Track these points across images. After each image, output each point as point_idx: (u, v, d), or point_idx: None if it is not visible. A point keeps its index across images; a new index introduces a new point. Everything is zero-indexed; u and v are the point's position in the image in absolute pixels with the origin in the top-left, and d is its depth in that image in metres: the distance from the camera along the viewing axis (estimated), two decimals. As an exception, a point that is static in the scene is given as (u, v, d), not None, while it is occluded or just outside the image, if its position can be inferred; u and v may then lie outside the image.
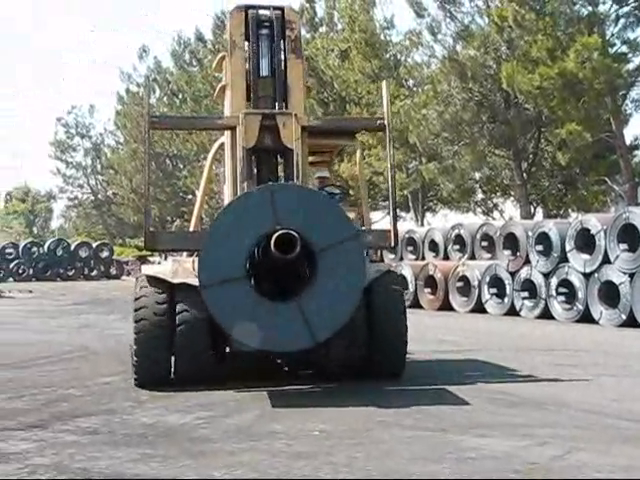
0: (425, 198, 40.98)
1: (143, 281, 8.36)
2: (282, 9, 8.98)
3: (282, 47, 8.91)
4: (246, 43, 8.84)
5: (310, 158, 11.81)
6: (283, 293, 7.66)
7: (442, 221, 40.90)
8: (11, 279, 40.96)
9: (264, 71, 8.86)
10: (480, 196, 40.85)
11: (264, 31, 8.86)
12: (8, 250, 45.67)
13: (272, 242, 7.18)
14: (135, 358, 8.13)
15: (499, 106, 33.16)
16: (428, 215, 42.75)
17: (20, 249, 46.02)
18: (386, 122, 8.89)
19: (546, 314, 17.83)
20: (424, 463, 5.32)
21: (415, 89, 38.13)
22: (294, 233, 7.22)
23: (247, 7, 8.85)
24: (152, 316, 8.03)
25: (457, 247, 21.94)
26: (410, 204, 40.69)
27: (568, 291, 17.46)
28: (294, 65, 8.89)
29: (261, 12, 8.89)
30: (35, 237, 57.67)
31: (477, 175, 37.69)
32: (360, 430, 6.25)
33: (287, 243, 7.17)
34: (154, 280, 8.30)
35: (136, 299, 8.22)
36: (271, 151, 8.85)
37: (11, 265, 43.90)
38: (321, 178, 11.22)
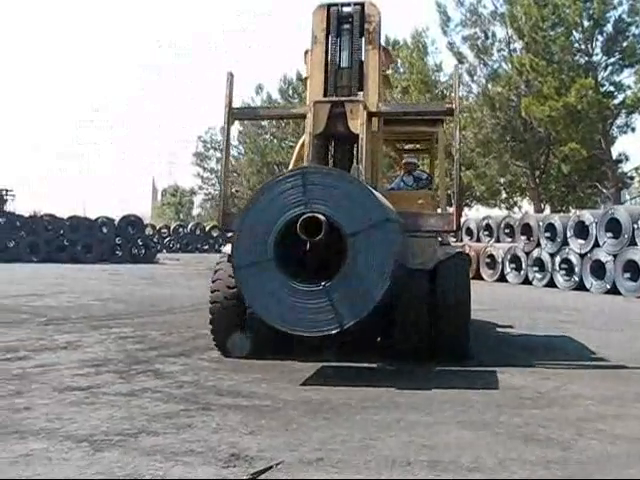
0: (463, 196, 40.50)
1: (222, 258, 6.98)
2: (362, 4, 7.32)
3: (361, 40, 7.33)
4: (327, 38, 7.30)
5: (408, 146, 10.49)
6: (312, 277, 5.70)
7: (475, 214, 40.24)
8: (164, 251, 41.70)
9: (344, 63, 7.29)
10: (504, 195, 40.12)
11: (345, 26, 7.34)
12: (163, 230, 46.50)
13: (298, 225, 5.41)
14: (210, 326, 6.83)
15: (519, 129, 32.86)
16: (465, 209, 42.17)
17: (171, 229, 46.92)
18: (454, 105, 6.86)
19: (551, 283, 17.68)
20: (459, 391, 5.35)
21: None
22: (320, 216, 5.44)
23: (329, 5, 7.35)
24: (225, 289, 6.68)
25: (486, 233, 21.79)
26: (452, 201, 40.22)
27: (567, 267, 17.30)
28: (370, 55, 7.25)
29: (344, 9, 7.37)
30: (181, 221, 58.37)
31: (502, 180, 37.30)
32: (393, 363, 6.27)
33: (314, 226, 5.43)
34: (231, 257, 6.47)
35: (215, 272, 6.94)
36: (344, 138, 7.09)
37: (165, 241, 44.68)
38: (408, 164, 9.56)
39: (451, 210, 7.16)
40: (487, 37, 33.91)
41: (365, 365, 6.26)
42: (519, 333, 8.85)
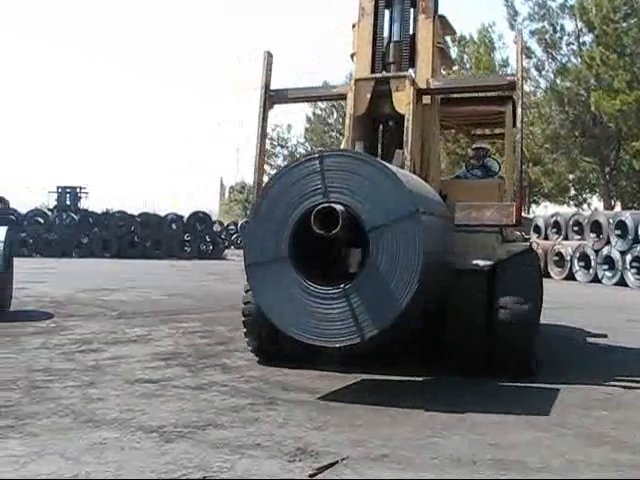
0: (531, 193, 39.80)
1: None
2: None
3: (413, 10, 6.47)
4: (376, 9, 6.51)
5: (478, 131, 9.33)
6: (332, 278, 4.78)
7: (543, 211, 39.47)
8: (232, 247, 42.20)
9: (395, 36, 6.43)
10: (573, 192, 39.33)
11: None
12: (230, 227, 47.07)
13: (312, 217, 4.57)
14: (246, 339, 6.27)
15: (588, 124, 32.07)
16: (533, 206, 41.44)
17: (238, 226, 47.45)
18: (517, 77, 5.82)
19: (621, 282, 17.26)
20: (525, 390, 5.26)
21: (524, 111, 36.99)
22: (337, 207, 4.56)
23: None
24: None
25: (555, 230, 21.41)
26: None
27: (639, 265, 16.90)
28: (424, 26, 6.31)
29: None
30: (248, 218, 59.14)
31: (571, 176, 36.55)
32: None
33: (331, 219, 4.53)
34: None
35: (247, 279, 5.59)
36: (391, 119, 6.20)
37: (232, 237, 45.21)
38: (476, 149, 8.41)
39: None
40: (555, 31, 33.23)
41: (419, 378, 6.18)
42: (587, 333, 8.64)
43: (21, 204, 30.82)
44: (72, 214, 29.95)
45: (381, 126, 6.43)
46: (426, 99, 6.34)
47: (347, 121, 6.21)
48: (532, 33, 33.67)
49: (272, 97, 6.57)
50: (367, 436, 3.93)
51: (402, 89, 5.98)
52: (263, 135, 6.49)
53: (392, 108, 6.06)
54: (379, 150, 6.31)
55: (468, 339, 5.51)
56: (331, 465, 3.45)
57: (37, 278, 14.91)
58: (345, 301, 4.62)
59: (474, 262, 5.70)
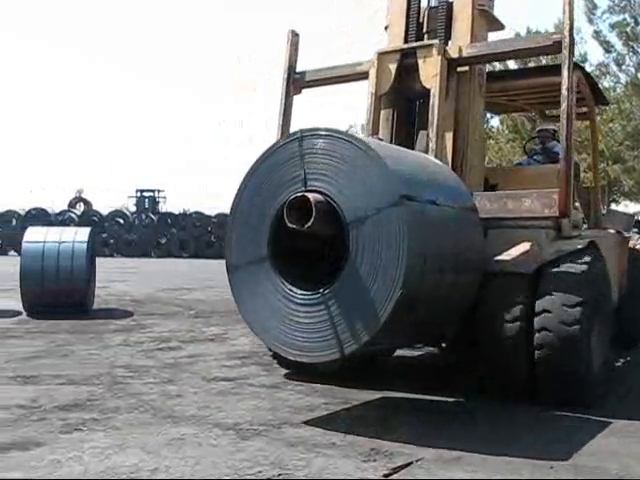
0: (610, 192, 38.71)
1: None
2: None
3: None
4: None
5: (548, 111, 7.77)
6: (315, 282, 4.05)
7: (623, 210, 38.30)
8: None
9: (432, 2, 5.66)
10: (656, 190, 38.10)
11: None
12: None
13: (285, 208, 3.94)
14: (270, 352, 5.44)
15: (672, 120, 31.03)
16: (612, 205, 40.26)
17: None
18: (564, 35, 4.87)
19: None
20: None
21: (604, 108, 35.90)
22: (311, 196, 3.87)
23: None
24: None
25: (635, 230, 20.69)
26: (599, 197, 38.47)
27: None
28: None
29: None
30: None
31: (653, 174, 35.44)
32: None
33: (305, 210, 3.84)
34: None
35: None
36: (423, 96, 5.35)
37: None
38: (541, 131, 7.23)
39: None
40: (637, 23, 32.12)
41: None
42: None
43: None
44: (151, 215, 30.78)
45: (417, 105, 5.62)
46: (463, 71, 5.49)
47: (368, 100, 5.45)
48: (612, 26, 32.72)
49: (297, 80, 5.91)
50: (441, 437, 3.91)
51: (429, 60, 5.22)
52: (286, 124, 5.80)
53: (421, 83, 5.34)
54: (414, 132, 5.52)
55: (501, 358, 4.59)
56: (406, 466, 3.45)
57: (118, 277, 15.37)
58: (324, 309, 3.93)
59: (498, 258, 4.69)
